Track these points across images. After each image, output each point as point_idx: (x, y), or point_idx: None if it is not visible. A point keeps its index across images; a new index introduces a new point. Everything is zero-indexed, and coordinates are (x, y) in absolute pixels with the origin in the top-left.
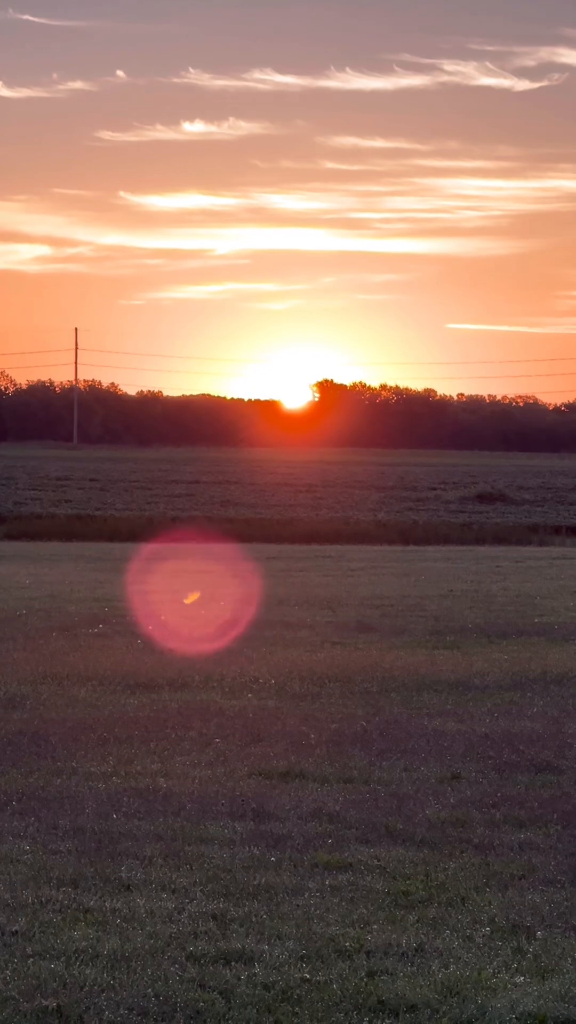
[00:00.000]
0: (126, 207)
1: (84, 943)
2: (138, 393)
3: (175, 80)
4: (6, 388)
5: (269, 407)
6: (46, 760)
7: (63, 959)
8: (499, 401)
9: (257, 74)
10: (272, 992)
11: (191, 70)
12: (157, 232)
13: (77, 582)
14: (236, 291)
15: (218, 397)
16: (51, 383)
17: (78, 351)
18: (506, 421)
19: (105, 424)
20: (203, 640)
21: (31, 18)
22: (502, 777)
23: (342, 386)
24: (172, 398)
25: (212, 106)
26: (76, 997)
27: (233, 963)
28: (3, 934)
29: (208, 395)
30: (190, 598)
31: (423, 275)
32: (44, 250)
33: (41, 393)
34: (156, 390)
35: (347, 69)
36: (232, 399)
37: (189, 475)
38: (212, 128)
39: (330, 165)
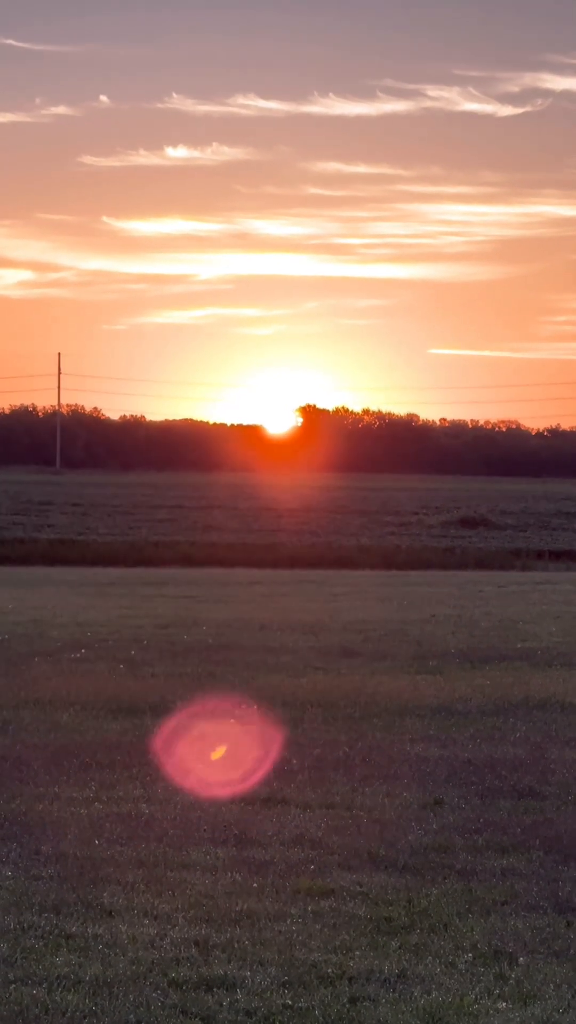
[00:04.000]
0: (109, 232)
1: (66, 969)
2: (121, 418)
3: (159, 105)
4: None
5: (252, 432)
6: (28, 785)
7: (45, 985)
8: (482, 426)
9: (240, 99)
10: (254, 1018)
11: (174, 95)
12: (140, 257)
13: (59, 607)
14: (219, 316)
15: (201, 422)
16: (34, 408)
17: (61, 376)
18: (489, 446)
19: (88, 448)
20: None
21: (14, 43)
22: (484, 803)
23: (325, 411)
24: (155, 423)
25: (195, 131)
26: (58, 1023)
27: (215, 989)
28: None
29: (191, 420)
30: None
31: (406, 300)
32: (27, 275)
33: (24, 418)
34: (139, 415)
35: (330, 95)
36: (215, 424)
37: (172, 500)
38: (195, 153)
39: (313, 191)
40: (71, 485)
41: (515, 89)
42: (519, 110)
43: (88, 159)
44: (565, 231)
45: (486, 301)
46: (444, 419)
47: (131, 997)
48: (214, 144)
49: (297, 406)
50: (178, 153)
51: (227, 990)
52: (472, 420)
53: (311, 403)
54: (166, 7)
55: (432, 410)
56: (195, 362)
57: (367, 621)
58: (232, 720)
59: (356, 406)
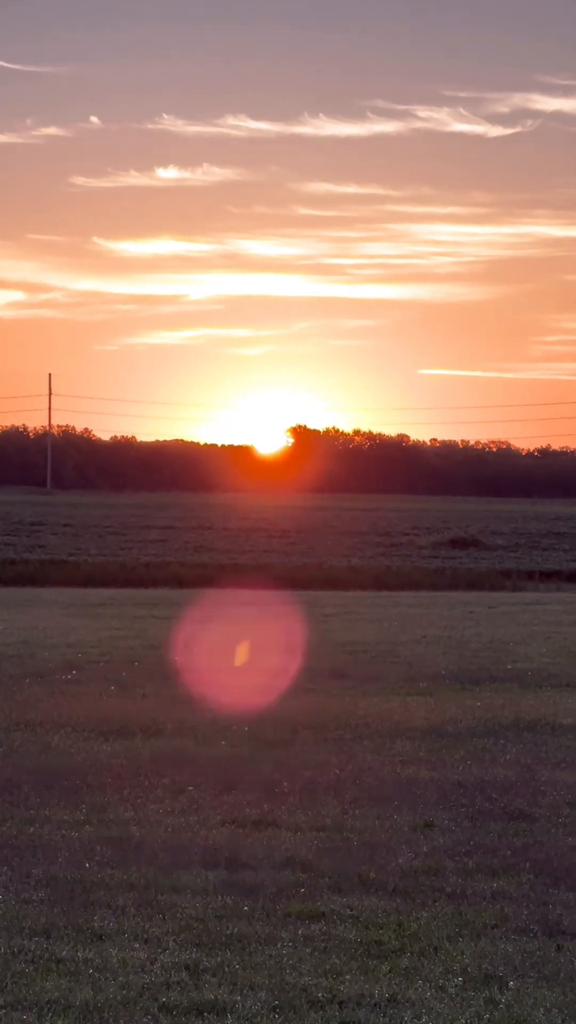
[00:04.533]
0: (100, 253)
1: (56, 994)
2: (112, 438)
3: (149, 126)
4: None
5: (243, 452)
6: (19, 808)
7: (35, 1010)
8: (472, 446)
9: (231, 120)
10: None
11: (165, 116)
12: (131, 278)
13: (50, 628)
14: (210, 337)
15: (192, 442)
16: (25, 428)
17: (52, 396)
18: (480, 466)
19: (79, 469)
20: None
21: (4, 64)
22: (475, 825)
23: (316, 431)
24: (146, 443)
25: (186, 152)
26: None
27: (206, 1014)
28: None
29: (182, 440)
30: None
31: (396, 321)
32: (18, 296)
33: (15, 438)
34: (130, 435)
35: (321, 115)
36: (206, 444)
37: (163, 520)
38: (186, 174)
39: (304, 211)
40: (62, 506)
41: (505, 110)
42: (509, 130)
43: (79, 180)
44: (555, 251)
45: (476, 322)
46: (435, 439)
47: (121, 1022)
48: (205, 164)
49: (288, 426)
50: (169, 174)
51: (217, 1015)
52: (463, 440)
53: (302, 423)
54: (156, 28)
55: (423, 430)
56: (186, 383)
57: (358, 642)
58: None
59: (347, 426)
